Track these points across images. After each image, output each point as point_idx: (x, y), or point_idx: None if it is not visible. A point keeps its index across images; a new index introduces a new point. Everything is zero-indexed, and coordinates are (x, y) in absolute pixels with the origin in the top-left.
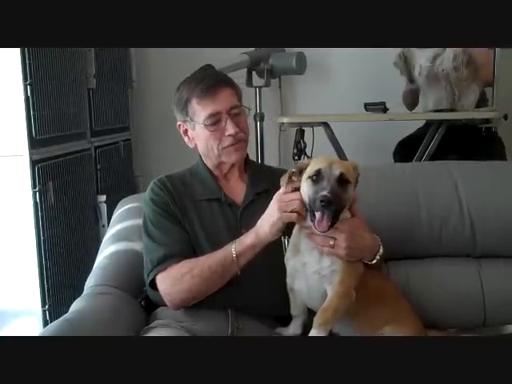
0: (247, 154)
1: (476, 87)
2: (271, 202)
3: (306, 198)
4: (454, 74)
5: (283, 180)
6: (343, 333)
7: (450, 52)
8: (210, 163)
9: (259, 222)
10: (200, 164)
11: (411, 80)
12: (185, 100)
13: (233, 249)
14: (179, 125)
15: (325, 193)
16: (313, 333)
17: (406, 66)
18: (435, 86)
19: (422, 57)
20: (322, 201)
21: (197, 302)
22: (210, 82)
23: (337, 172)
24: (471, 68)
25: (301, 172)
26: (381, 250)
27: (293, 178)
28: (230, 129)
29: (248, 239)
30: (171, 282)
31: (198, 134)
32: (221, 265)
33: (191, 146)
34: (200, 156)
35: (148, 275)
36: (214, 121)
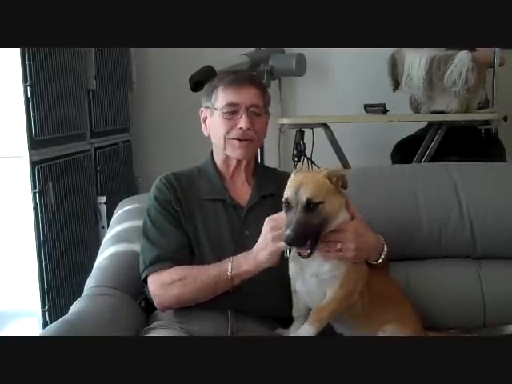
0: (257, 159)
1: (481, 90)
2: (264, 227)
3: None
4: (465, 87)
5: None
6: (347, 333)
7: (459, 67)
8: (218, 159)
9: (256, 248)
10: (209, 162)
11: (395, 89)
12: (213, 86)
13: (229, 268)
14: (201, 111)
15: (288, 232)
16: (305, 327)
17: (393, 70)
18: (438, 94)
19: (412, 65)
20: (285, 241)
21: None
22: (240, 76)
23: (303, 199)
24: (479, 76)
25: None
26: (385, 249)
27: None
28: (243, 122)
29: (246, 264)
30: (161, 286)
31: (214, 121)
32: (214, 281)
33: (206, 134)
34: (211, 153)
35: (141, 274)
36: (232, 110)
